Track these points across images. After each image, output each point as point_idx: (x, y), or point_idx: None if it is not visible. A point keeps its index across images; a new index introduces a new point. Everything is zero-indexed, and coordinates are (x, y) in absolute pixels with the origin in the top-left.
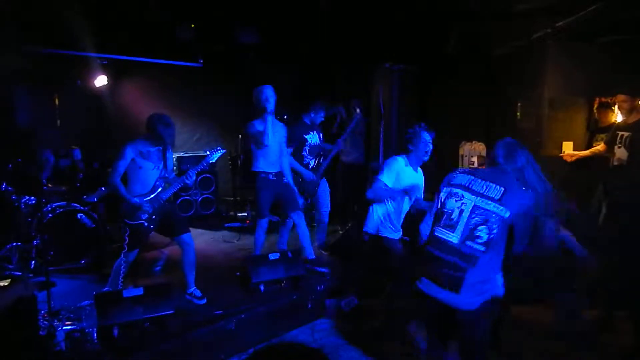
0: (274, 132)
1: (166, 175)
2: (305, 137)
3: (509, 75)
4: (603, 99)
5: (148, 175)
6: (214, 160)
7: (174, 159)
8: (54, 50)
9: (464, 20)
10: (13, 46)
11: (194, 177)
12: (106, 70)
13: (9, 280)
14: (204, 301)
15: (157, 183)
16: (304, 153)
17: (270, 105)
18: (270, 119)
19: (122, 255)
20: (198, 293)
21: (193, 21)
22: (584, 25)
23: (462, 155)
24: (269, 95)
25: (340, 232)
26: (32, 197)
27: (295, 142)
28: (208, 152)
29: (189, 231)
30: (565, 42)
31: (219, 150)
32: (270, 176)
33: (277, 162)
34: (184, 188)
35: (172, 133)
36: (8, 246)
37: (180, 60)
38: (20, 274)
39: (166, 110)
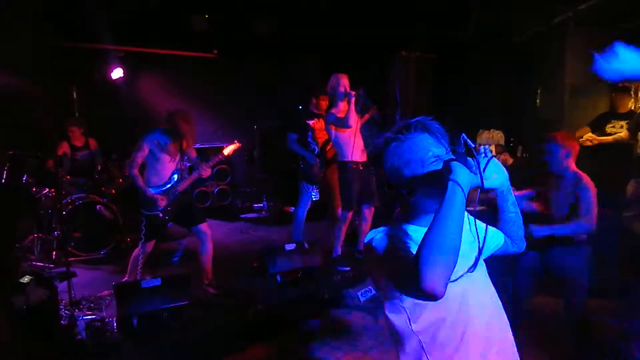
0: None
1: (183, 165)
2: (308, 123)
3: (529, 61)
4: (624, 84)
5: (164, 167)
6: (227, 153)
7: None
8: (71, 43)
9: (482, 5)
10: (30, 39)
11: (210, 170)
12: (122, 62)
13: (31, 277)
14: (221, 291)
15: (173, 175)
16: (309, 139)
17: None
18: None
19: (139, 246)
20: (215, 283)
21: (207, 12)
22: (605, 10)
23: (480, 144)
24: (346, 82)
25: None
26: (52, 190)
27: (298, 128)
28: (225, 145)
29: (206, 221)
30: (586, 27)
31: (235, 142)
32: (360, 166)
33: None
34: (200, 180)
35: (193, 131)
36: (30, 237)
37: (195, 52)
38: (41, 264)
39: (182, 101)
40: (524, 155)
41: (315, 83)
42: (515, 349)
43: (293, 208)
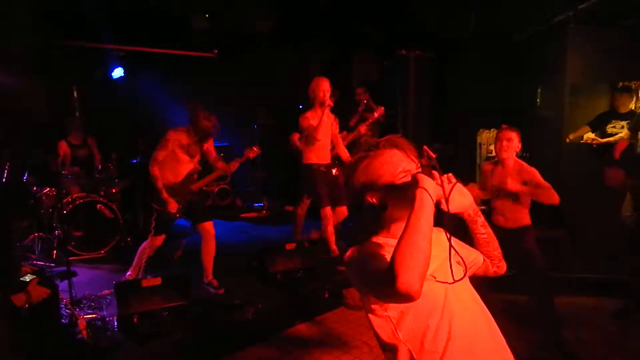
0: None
1: (200, 166)
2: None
3: (529, 60)
4: (625, 83)
5: (183, 167)
6: (250, 156)
7: None
8: (72, 42)
9: (482, 4)
10: (31, 38)
11: (231, 170)
12: (123, 61)
13: (33, 277)
14: (222, 291)
15: (190, 174)
16: None
17: (327, 98)
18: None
19: (148, 239)
20: (216, 283)
21: (207, 12)
22: (606, 8)
23: (480, 144)
24: (327, 88)
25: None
26: (53, 189)
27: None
28: (246, 151)
29: (212, 220)
30: (587, 25)
31: (255, 149)
32: (323, 167)
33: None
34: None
35: (215, 127)
36: (31, 236)
37: (195, 51)
38: (42, 263)
39: (182, 101)
40: (525, 154)
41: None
42: (510, 355)
43: (293, 207)
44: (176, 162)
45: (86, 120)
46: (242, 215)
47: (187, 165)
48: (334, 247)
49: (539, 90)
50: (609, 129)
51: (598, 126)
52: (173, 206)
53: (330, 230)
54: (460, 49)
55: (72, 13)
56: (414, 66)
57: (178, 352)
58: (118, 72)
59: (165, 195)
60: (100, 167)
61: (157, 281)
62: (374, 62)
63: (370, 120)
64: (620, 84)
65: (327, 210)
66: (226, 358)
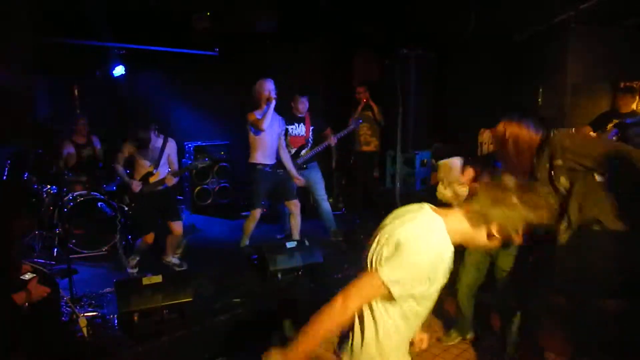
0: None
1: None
2: (287, 127)
3: (529, 60)
4: (627, 84)
5: (143, 170)
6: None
7: (192, 148)
8: (73, 41)
9: (482, 4)
10: (32, 37)
11: (174, 181)
12: (124, 60)
13: (33, 275)
14: (184, 267)
15: (146, 175)
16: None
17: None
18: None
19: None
20: (176, 261)
21: (209, 10)
22: (607, 8)
23: (482, 143)
24: (271, 87)
25: (358, 221)
26: (54, 187)
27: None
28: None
29: (179, 219)
30: (588, 25)
31: (205, 160)
32: (269, 167)
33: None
34: (202, 177)
35: (144, 136)
36: (31, 234)
37: (196, 50)
38: (43, 261)
39: (183, 99)
40: None
41: (317, 81)
42: None
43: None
44: (138, 165)
45: (88, 118)
46: (243, 213)
47: (146, 169)
48: (245, 241)
49: (540, 90)
50: (610, 128)
51: (599, 126)
52: (135, 185)
53: (249, 227)
54: (460, 49)
55: (73, 12)
56: (415, 66)
57: (178, 351)
58: (119, 71)
59: (126, 178)
60: (101, 165)
61: (158, 279)
62: (374, 62)
63: (345, 133)
64: (623, 84)
65: (256, 212)
66: (226, 358)
